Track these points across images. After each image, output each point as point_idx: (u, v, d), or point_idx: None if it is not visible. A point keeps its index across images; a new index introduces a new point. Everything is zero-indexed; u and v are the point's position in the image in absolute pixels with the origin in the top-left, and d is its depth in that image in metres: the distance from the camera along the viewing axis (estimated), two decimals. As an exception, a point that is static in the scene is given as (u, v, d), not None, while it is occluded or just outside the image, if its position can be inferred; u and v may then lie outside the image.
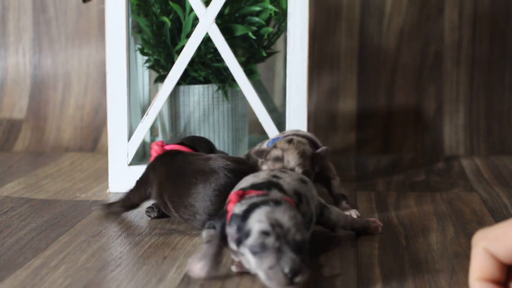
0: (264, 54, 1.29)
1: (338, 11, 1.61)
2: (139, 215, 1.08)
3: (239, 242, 0.78)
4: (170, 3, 1.24)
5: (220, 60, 1.25)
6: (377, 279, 0.83)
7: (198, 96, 1.28)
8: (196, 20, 1.22)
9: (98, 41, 1.66)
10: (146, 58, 1.32)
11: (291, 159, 1.02)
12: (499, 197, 1.19)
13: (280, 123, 1.30)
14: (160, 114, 1.32)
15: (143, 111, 1.36)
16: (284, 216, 0.77)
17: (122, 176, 1.22)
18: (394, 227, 1.02)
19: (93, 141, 1.61)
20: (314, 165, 1.05)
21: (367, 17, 1.61)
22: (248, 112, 1.33)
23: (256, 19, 1.26)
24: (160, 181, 1.03)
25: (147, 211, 1.07)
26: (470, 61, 1.60)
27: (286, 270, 0.73)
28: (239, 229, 0.77)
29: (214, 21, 1.20)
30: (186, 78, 1.29)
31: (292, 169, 1.01)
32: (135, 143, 1.22)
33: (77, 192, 1.23)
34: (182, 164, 1.02)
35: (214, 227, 0.82)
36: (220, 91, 1.28)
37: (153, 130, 1.42)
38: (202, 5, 1.20)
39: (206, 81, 1.29)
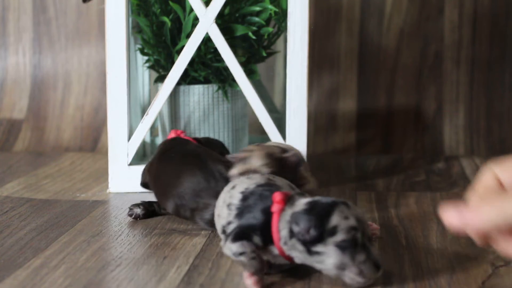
0: (264, 54, 1.29)
1: (338, 11, 1.61)
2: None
3: (317, 240, 0.76)
4: (170, 3, 1.24)
5: (220, 60, 1.25)
6: (377, 279, 0.83)
7: (198, 96, 1.28)
8: (196, 20, 1.22)
9: (98, 41, 1.66)
10: (146, 58, 1.32)
11: (256, 160, 0.96)
12: (499, 197, 1.19)
13: (280, 123, 1.30)
14: (160, 114, 1.32)
15: (143, 111, 1.36)
16: (359, 212, 0.79)
17: (122, 176, 1.22)
18: (394, 227, 1.02)
19: (93, 141, 1.61)
20: (285, 171, 0.97)
21: (367, 17, 1.61)
22: (248, 112, 1.33)
23: (256, 19, 1.26)
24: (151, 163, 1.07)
25: (130, 209, 1.07)
26: (470, 61, 1.60)
27: (377, 262, 0.78)
28: (318, 226, 0.76)
29: (214, 21, 1.20)
30: (186, 78, 1.29)
31: (256, 170, 0.95)
32: (135, 143, 1.22)
33: (77, 192, 1.23)
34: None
35: (249, 239, 0.80)
36: (220, 91, 1.28)
37: (153, 130, 1.42)
38: (202, 5, 1.20)
39: (206, 81, 1.29)
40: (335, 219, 0.76)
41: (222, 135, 1.29)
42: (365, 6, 1.61)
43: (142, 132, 1.22)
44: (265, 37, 1.28)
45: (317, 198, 0.80)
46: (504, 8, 1.59)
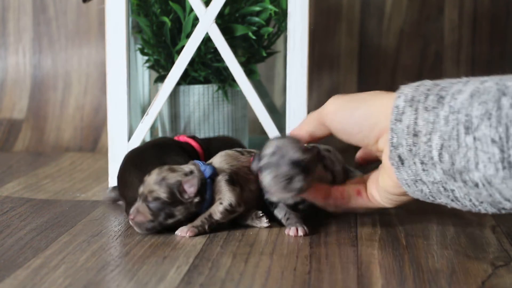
0: (264, 54, 1.29)
1: (338, 11, 1.61)
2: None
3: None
4: (170, 3, 1.24)
5: (220, 60, 1.25)
6: (377, 279, 0.83)
7: (198, 96, 1.28)
8: (196, 20, 1.22)
9: (98, 41, 1.66)
10: (146, 58, 1.32)
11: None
12: (499, 197, 1.19)
13: (280, 123, 1.30)
14: (160, 114, 1.32)
15: (143, 111, 1.36)
16: (285, 141, 0.95)
17: (122, 176, 1.22)
18: (394, 227, 1.02)
19: (93, 141, 1.61)
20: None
21: (367, 17, 1.61)
22: (248, 112, 1.33)
23: (256, 19, 1.26)
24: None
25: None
26: (470, 61, 1.60)
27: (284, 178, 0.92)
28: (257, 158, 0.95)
29: (214, 21, 1.20)
30: (186, 78, 1.29)
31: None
32: (135, 143, 1.22)
33: (77, 192, 1.23)
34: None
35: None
36: (220, 91, 1.28)
37: (153, 130, 1.42)
38: (202, 5, 1.20)
39: (206, 81, 1.29)
40: (263, 150, 0.95)
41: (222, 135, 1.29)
42: (365, 6, 1.61)
43: (142, 132, 1.22)
44: (265, 37, 1.28)
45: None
46: (504, 8, 1.59)
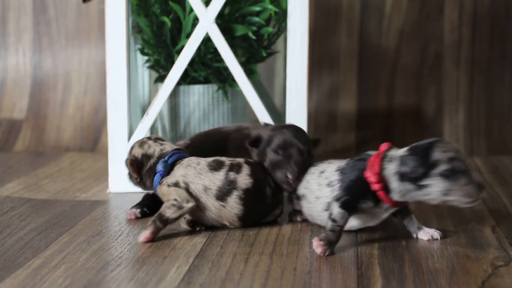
0: (264, 54, 1.29)
1: (338, 11, 1.61)
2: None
3: (423, 175, 0.89)
4: (170, 3, 1.24)
5: (220, 60, 1.25)
6: (377, 279, 0.83)
7: (198, 96, 1.28)
8: (196, 20, 1.22)
9: (98, 41, 1.66)
10: (146, 58, 1.32)
11: None
12: (499, 197, 1.19)
13: (280, 123, 1.30)
14: (160, 114, 1.32)
15: (143, 111, 1.36)
16: (456, 146, 0.91)
17: (122, 176, 1.22)
18: (394, 227, 1.02)
19: (93, 141, 1.61)
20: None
21: (367, 17, 1.61)
22: (248, 112, 1.33)
23: (256, 19, 1.26)
24: None
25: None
26: (470, 61, 1.60)
27: (480, 183, 0.89)
28: (422, 163, 0.89)
29: (214, 21, 1.20)
30: (186, 78, 1.29)
31: None
32: (135, 143, 1.22)
33: (77, 192, 1.23)
34: None
35: (355, 209, 0.93)
36: (220, 91, 1.28)
37: (153, 130, 1.42)
38: (202, 5, 1.20)
39: (206, 81, 1.29)
40: (436, 154, 0.89)
41: (222, 135, 1.29)
42: (365, 6, 1.61)
43: (142, 132, 1.22)
44: (265, 37, 1.28)
45: (415, 144, 0.92)
46: (504, 8, 1.59)
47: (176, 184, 1.01)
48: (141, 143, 1.06)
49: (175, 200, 0.99)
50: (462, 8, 1.59)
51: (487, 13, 1.59)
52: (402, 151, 0.93)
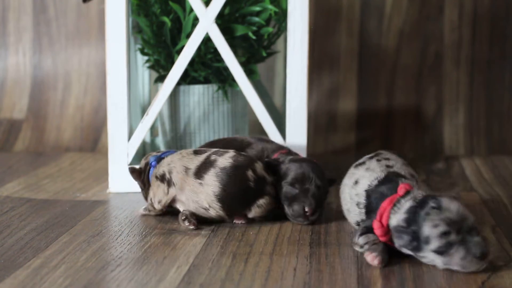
0: (264, 54, 1.29)
1: (338, 11, 1.61)
2: (139, 216, 1.09)
3: (417, 250, 0.86)
4: (170, 3, 1.24)
5: (220, 60, 1.25)
6: (377, 279, 0.83)
7: (198, 96, 1.28)
8: (196, 20, 1.22)
9: (98, 41, 1.66)
10: (146, 58, 1.32)
11: None
12: (499, 197, 1.19)
13: (280, 123, 1.30)
14: (160, 114, 1.32)
15: (143, 111, 1.36)
16: (454, 210, 0.85)
17: (122, 176, 1.22)
18: (394, 227, 1.02)
19: (93, 141, 1.61)
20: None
21: (367, 17, 1.61)
22: (248, 112, 1.33)
23: (256, 19, 1.26)
24: None
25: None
26: (470, 61, 1.60)
27: (478, 254, 0.83)
28: (412, 241, 0.86)
29: (214, 21, 1.20)
30: (186, 78, 1.29)
31: None
32: (135, 143, 1.22)
33: (77, 192, 1.23)
34: None
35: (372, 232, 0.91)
36: (220, 91, 1.28)
37: (153, 130, 1.42)
38: (202, 5, 1.20)
39: (206, 81, 1.29)
40: (426, 230, 0.84)
41: (222, 135, 1.29)
42: (365, 6, 1.61)
43: (142, 132, 1.22)
44: (265, 37, 1.28)
45: (415, 204, 0.87)
46: (504, 8, 1.59)
47: (163, 177, 1.05)
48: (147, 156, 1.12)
49: (151, 199, 1.07)
50: (462, 8, 1.59)
51: (487, 13, 1.59)
52: (402, 215, 0.87)
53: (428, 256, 0.85)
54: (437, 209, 0.85)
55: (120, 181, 1.22)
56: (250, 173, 1.01)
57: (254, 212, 1.02)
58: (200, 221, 1.03)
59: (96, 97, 1.66)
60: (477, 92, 1.60)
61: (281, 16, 1.28)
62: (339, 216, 1.05)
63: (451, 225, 0.84)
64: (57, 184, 1.29)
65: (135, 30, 1.33)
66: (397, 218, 0.88)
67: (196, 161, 1.03)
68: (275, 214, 1.05)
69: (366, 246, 0.90)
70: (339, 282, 0.82)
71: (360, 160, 1.02)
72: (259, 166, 1.03)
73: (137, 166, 1.13)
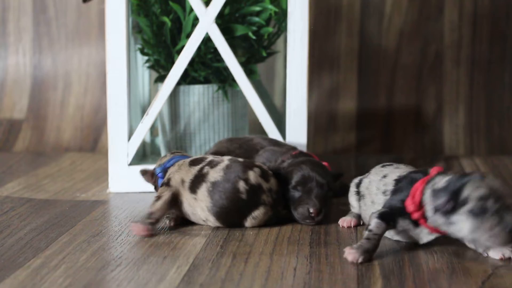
0: (264, 54, 1.29)
1: (338, 11, 1.61)
2: (139, 215, 1.09)
3: (452, 211, 0.86)
4: (170, 3, 1.24)
5: (220, 60, 1.25)
6: (377, 279, 0.83)
7: (198, 96, 1.28)
8: (196, 20, 1.22)
9: (98, 41, 1.66)
10: (146, 58, 1.32)
11: None
12: (499, 197, 1.19)
13: (280, 123, 1.30)
14: (160, 114, 1.32)
15: (143, 111, 1.36)
16: (496, 183, 0.86)
17: (122, 176, 1.22)
18: (394, 227, 1.02)
19: (93, 141, 1.61)
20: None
21: (367, 17, 1.61)
22: (248, 112, 1.33)
23: (256, 19, 1.26)
24: None
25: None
26: (470, 61, 1.60)
27: (510, 228, 0.83)
28: (452, 199, 0.85)
29: (214, 21, 1.20)
30: (186, 78, 1.29)
31: None
32: (135, 143, 1.22)
33: (77, 192, 1.23)
34: None
35: (392, 222, 0.90)
36: (220, 91, 1.28)
37: (153, 130, 1.42)
38: (202, 5, 1.20)
39: (206, 81, 1.29)
40: (466, 191, 0.85)
41: (222, 135, 1.29)
42: (365, 6, 1.61)
43: (142, 132, 1.22)
44: (265, 37, 1.28)
45: (457, 175, 0.88)
46: (504, 8, 1.59)
47: (168, 183, 1.04)
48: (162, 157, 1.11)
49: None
50: (462, 8, 1.59)
51: (487, 13, 1.59)
52: (442, 182, 0.88)
53: (459, 219, 0.85)
54: (481, 178, 0.86)
55: (120, 181, 1.22)
56: (241, 184, 0.99)
57: (250, 223, 1.02)
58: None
59: (96, 97, 1.66)
60: (477, 92, 1.60)
61: (281, 16, 1.28)
62: (339, 216, 1.05)
63: (492, 193, 0.85)
64: (57, 184, 1.29)
65: (135, 30, 1.33)
66: (436, 185, 0.88)
67: (190, 174, 1.02)
68: (276, 214, 1.05)
69: (365, 234, 0.90)
70: (339, 282, 0.82)
71: (386, 163, 1.01)
72: (253, 174, 1.00)
73: (150, 167, 1.12)
